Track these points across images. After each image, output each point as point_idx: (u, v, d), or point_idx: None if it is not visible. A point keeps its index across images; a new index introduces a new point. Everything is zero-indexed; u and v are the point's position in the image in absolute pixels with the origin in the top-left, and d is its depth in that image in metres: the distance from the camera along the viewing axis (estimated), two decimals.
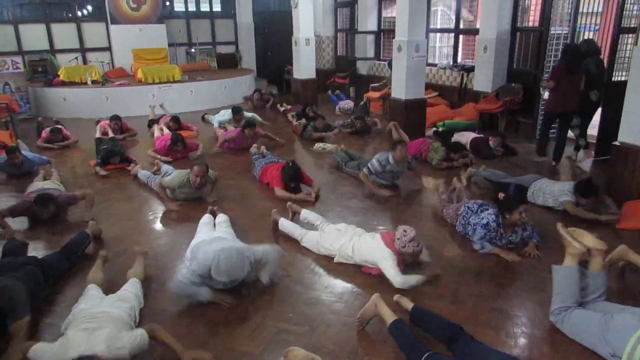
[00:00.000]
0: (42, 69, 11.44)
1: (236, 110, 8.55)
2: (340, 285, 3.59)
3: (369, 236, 3.83)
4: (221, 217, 4.37)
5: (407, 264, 3.64)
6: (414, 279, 3.50)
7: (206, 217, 4.36)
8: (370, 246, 3.71)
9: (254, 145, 6.84)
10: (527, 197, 5.03)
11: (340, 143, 6.99)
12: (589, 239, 3.08)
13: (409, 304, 3.05)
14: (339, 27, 13.49)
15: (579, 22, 7.47)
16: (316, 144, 7.58)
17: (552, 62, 7.33)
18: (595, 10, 7.78)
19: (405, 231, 3.56)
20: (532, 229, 4.07)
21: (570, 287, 2.95)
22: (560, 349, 2.84)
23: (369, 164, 5.52)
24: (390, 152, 5.45)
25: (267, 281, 3.48)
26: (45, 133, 7.85)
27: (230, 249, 3.27)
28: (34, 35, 11.99)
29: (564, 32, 7.31)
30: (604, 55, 6.85)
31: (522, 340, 2.94)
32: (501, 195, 4.08)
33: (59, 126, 8.07)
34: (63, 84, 10.62)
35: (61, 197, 4.87)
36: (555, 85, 6.09)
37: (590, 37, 7.88)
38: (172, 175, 5.19)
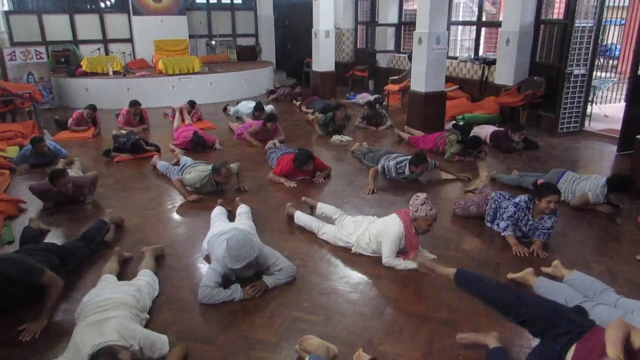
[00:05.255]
0: (65, 60, 11.58)
1: (257, 107, 8.64)
2: (356, 275, 3.59)
3: (384, 217, 3.85)
4: (242, 208, 4.38)
5: (423, 231, 3.62)
6: (403, 263, 3.60)
7: (217, 209, 4.38)
8: (383, 221, 3.75)
9: (271, 141, 6.88)
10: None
11: (362, 140, 6.93)
12: None
13: (450, 272, 2.83)
14: (359, 20, 13.41)
15: (604, 15, 7.35)
16: (333, 137, 7.57)
17: (576, 55, 7.20)
18: (621, 4, 7.67)
19: (417, 196, 3.60)
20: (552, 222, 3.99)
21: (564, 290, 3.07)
22: None
23: (384, 165, 5.48)
24: (410, 165, 5.35)
25: (271, 285, 3.38)
26: (124, 115, 8.26)
27: (235, 235, 3.30)
28: (57, 26, 12.18)
29: (589, 25, 7.16)
30: (629, 50, 6.71)
31: None
32: (540, 180, 4.30)
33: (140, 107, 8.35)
34: (85, 74, 10.76)
35: (77, 179, 5.00)
36: None
37: (616, 31, 7.72)
38: (193, 175, 5.16)
